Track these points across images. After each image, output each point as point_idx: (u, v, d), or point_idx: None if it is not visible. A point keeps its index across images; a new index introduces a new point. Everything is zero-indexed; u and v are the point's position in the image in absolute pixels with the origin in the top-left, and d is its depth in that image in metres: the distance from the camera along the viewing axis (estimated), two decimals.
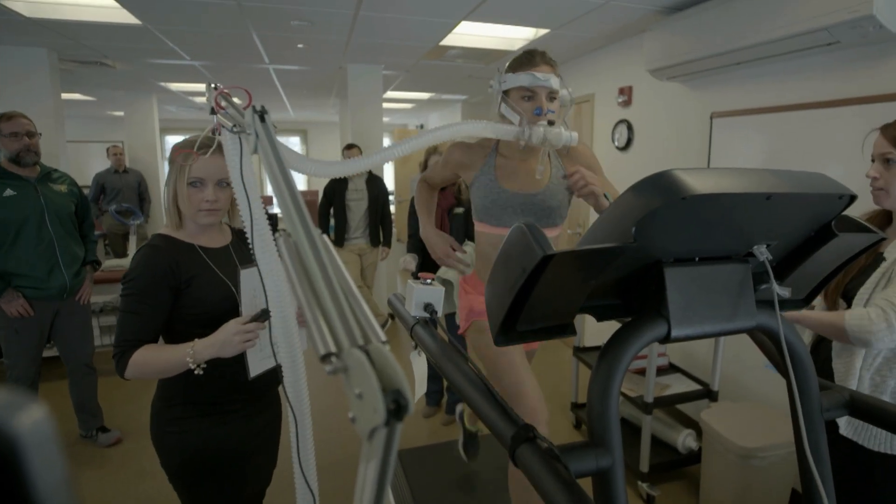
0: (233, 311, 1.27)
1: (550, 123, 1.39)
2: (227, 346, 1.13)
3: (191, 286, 1.23)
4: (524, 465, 0.68)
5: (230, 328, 1.14)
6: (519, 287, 0.65)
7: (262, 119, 0.69)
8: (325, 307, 0.41)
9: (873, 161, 1.31)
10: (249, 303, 1.27)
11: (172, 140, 10.60)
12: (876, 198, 1.30)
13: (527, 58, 1.45)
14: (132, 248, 4.43)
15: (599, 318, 0.83)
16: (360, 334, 0.40)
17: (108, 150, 5.85)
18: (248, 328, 1.13)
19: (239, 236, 1.41)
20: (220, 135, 0.92)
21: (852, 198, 0.75)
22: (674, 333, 0.73)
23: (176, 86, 5.97)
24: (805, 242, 0.81)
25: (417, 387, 1.20)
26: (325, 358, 0.40)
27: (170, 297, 1.22)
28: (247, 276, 1.29)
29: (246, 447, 1.34)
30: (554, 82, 1.43)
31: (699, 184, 0.61)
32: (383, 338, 0.41)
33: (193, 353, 1.15)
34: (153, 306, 1.20)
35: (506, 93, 1.47)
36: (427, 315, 1.04)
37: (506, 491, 1.59)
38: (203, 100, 7.33)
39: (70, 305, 2.61)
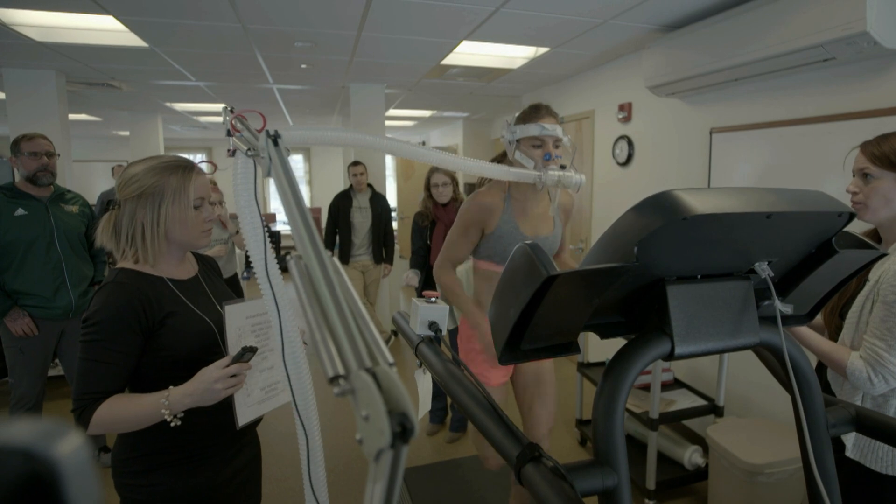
0: (212, 347, 1.16)
1: (562, 168, 1.56)
2: (209, 394, 1.01)
3: (164, 326, 1.10)
4: (530, 484, 0.68)
5: (210, 375, 1.01)
6: (523, 306, 0.66)
7: (276, 143, 0.70)
8: (334, 329, 0.42)
9: (854, 176, 1.33)
10: (235, 342, 1.12)
11: None
12: (857, 213, 1.32)
13: (534, 111, 1.67)
14: None
15: (603, 336, 0.83)
16: (368, 356, 0.41)
17: (113, 169, 5.90)
18: (229, 372, 1.01)
19: (205, 263, 1.32)
20: (234, 156, 0.93)
21: (851, 215, 0.75)
22: (677, 351, 0.73)
23: (181, 106, 6.05)
24: (806, 259, 0.82)
25: (421, 405, 1.20)
26: (334, 380, 0.40)
27: (140, 340, 1.08)
28: (232, 312, 1.14)
29: (226, 490, 1.21)
30: (559, 132, 1.64)
31: (700, 204, 0.63)
32: (390, 360, 0.41)
33: (169, 405, 1.01)
34: (122, 353, 1.05)
35: (517, 142, 1.67)
36: (432, 333, 1.05)
37: None
38: (207, 119, 7.42)
39: (76, 325, 2.62)
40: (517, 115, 1.71)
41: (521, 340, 0.73)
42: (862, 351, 1.21)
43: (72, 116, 5.43)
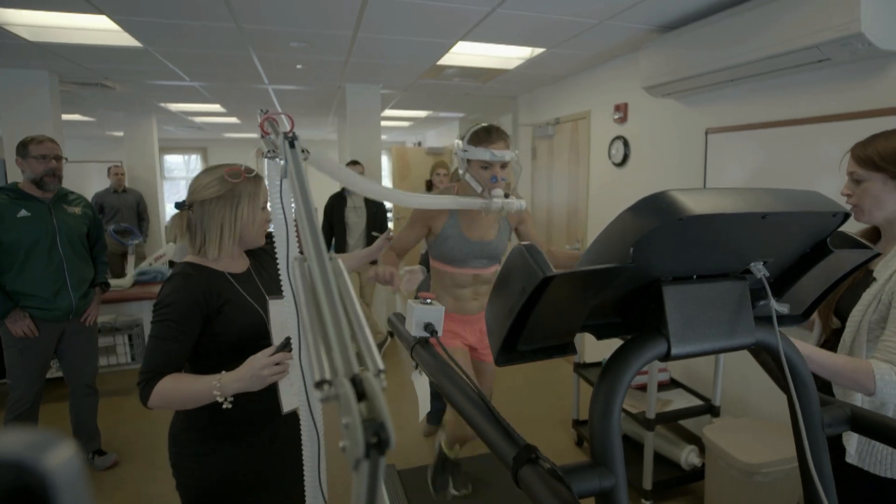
0: (262, 334, 1.28)
1: (507, 196, 1.82)
2: (256, 380, 1.11)
3: (221, 313, 1.24)
4: (526, 486, 0.68)
5: (258, 362, 1.11)
6: (519, 307, 0.66)
7: (292, 145, 0.71)
8: (326, 333, 0.41)
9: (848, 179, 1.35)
10: (279, 333, 1.26)
11: (171, 159, 10.65)
12: (854, 215, 1.33)
13: (485, 134, 1.83)
14: (130, 269, 4.43)
15: (599, 337, 0.83)
16: (357, 362, 0.40)
17: (109, 169, 5.88)
18: (274, 360, 1.11)
19: (257, 258, 1.43)
20: (259, 158, 0.97)
21: (846, 215, 0.76)
22: (674, 351, 0.73)
23: (175, 106, 6.02)
24: (801, 259, 0.82)
25: (421, 407, 1.19)
26: (319, 385, 0.39)
27: (202, 324, 1.22)
28: (274, 306, 1.29)
29: (266, 468, 1.33)
30: (507, 156, 1.80)
31: (695, 204, 0.63)
32: (380, 366, 0.40)
33: (220, 387, 1.12)
34: (186, 333, 1.19)
35: (468, 161, 1.85)
36: (427, 334, 1.04)
37: None
38: (202, 119, 7.40)
39: (76, 326, 2.61)
40: (470, 132, 1.87)
41: (518, 341, 0.73)
42: (883, 354, 1.14)
43: (65, 117, 5.39)
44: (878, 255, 0.83)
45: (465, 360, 2.03)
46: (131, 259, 4.55)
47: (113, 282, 4.17)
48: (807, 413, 0.82)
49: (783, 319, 0.89)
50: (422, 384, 1.15)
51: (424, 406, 1.19)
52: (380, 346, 4.15)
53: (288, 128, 0.78)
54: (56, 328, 2.54)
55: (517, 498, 2.13)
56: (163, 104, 5.78)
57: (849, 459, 1.26)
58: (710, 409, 2.48)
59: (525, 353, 0.76)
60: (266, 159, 0.86)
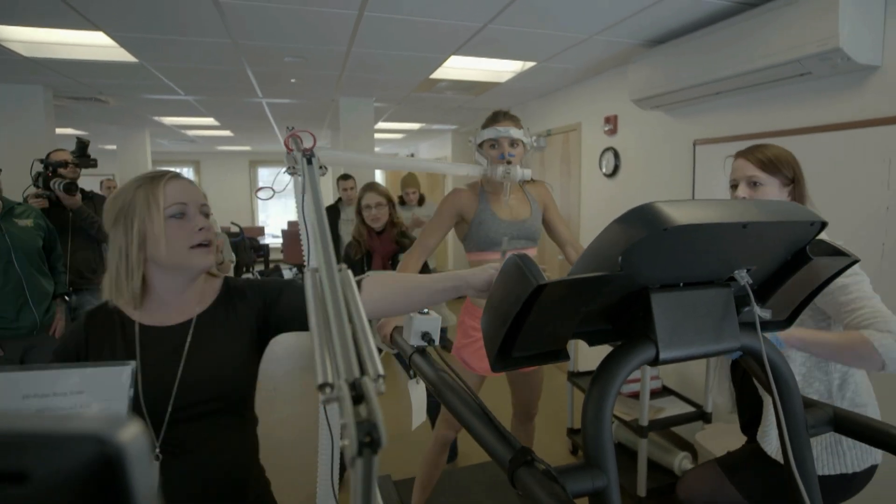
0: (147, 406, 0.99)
1: (509, 163, 1.82)
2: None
3: None
4: (523, 487, 0.70)
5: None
6: (514, 314, 0.69)
7: (309, 162, 0.74)
8: (331, 339, 0.44)
9: (734, 186, 1.41)
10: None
11: None
12: None
13: (493, 117, 1.90)
14: None
15: (591, 343, 0.86)
16: (359, 367, 0.43)
17: (101, 182, 5.88)
18: None
19: (236, 299, 1.08)
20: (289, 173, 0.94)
21: (823, 224, 0.79)
22: (662, 356, 0.76)
23: (169, 120, 6.05)
24: (783, 266, 0.85)
25: (415, 415, 1.21)
26: (321, 388, 0.42)
27: None
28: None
29: None
30: (514, 133, 1.84)
31: (679, 215, 0.66)
32: (380, 372, 0.43)
33: None
34: None
35: (480, 145, 1.90)
36: (425, 344, 1.07)
37: None
38: (195, 133, 7.42)
39: (43, 338, 2.53)
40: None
41: (513, 348, 0.75)
42: (869, 324, 1.15)
43: (58, 131, 5.39)
44: (857, 261, 0.87)
45: (476, 383, 1.97)
46: None
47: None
48: (791, 415, 0.85)
49: (767, 325, 0.92)
50: (418, 393, 1.18)
51: (419, 415, 1.21)
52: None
53: (310, 144, 0.80)
54: (20, 345, 2.46)
55: None
56: (157, 118, 5.81)
57: (773, 454, 1.30)
58: (703, 416, 2.51)
59: (520, 359, 0.79)
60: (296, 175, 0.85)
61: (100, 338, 0.98)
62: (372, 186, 2.74)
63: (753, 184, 1.37)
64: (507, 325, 0.71)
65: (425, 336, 1.06)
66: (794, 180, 1.39)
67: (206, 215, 1.02)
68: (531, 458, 0.73)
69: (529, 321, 0.71)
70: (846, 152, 2.06)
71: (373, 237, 2.65)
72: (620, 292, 0.78)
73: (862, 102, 2.02)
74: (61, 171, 2.92)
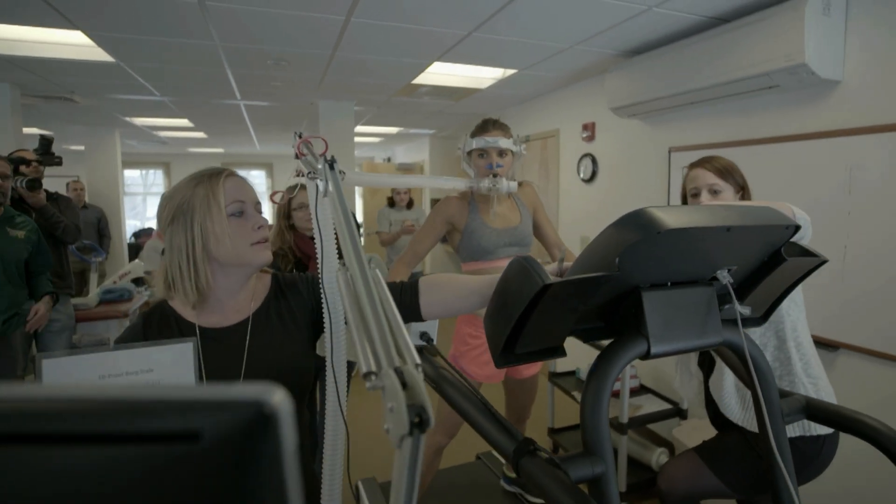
0: None
1: (495, 176, 1.84)
2: None
3: None
4: (528, 475, 0.75)
5: None
6: (520, 313, 0.73)
7: (332, 167, 0.77)
8: (370, 332, 0.48)
9: (695, 195, 1.51)
10: None
11: (128, 174, 10.31)
12: None
13: (482, 125, 1.91)
14: (93, 287, 4.30)
15: (585, 340, 0.91)
16: (398, 357, 0.47)
17: (68, 184, 5.71)
18: None
19: (287, 297, 1.09)
20: (301, 177, 0.95)
21: (797, 227, 0.86)
22: (653, 350, 0.81)
23: (141, 120, 5.92)
24: (760, 267, 0.92)
25: None
26: (367, 375, 0.46)
27: None
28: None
29: None
30: (502, 143, 1.84)
31: (672, 219, 0.72)
32: (417, 360, 0.47)
33: None
34: None
35: (468, 153, 1.92)
36: (424, 343, 1.10)
37: None
38: (167, 134, 7.28)
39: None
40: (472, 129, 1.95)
41: (516, 345, 0.80)
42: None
43: (24, 130, 5.22)
44: (825, 261, 0.94)
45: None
46: (94, 277, 4.42)
47: (77, 300, 4.05)
48: (769, 404, 0.91)
49: (745, 321, 0.99)
50: None
51: None
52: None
53: (322, 149, 0.83)
54: None
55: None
56: (128, 118, 5.68)
57: (738, 420, 1.41)
58: (679, 413, 2.61)
59: (521, 355, 0.83)
60: (308, 179, 0.87)
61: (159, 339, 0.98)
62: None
63: (714, 191, 1.48)
64: (512, 323, 0.75)
65: (424, 336, 1.10)
66: (743, 186, 1.52)
67: (260, 213, 1.03)
68: (534, 448, 0.77)
69: (533, 318, 0.76)
70: (811, 160, 2.18)
71: (304, 242, 2.22)
72: (614, 291, 0.83)
73: (825, 114, 2.14)
74: (23, 168, 2.84)
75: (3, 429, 0.19)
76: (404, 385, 0.43)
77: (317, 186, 0.95)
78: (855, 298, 2.04)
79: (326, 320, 0.88)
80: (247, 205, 1.00)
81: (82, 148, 6.82)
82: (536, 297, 0.71)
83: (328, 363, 0.89)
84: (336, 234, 0.92)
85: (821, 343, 2.08)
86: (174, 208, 0.97)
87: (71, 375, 0.85)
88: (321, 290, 0.88)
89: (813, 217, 2.18)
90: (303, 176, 0.87)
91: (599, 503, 0.72)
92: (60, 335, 2.97)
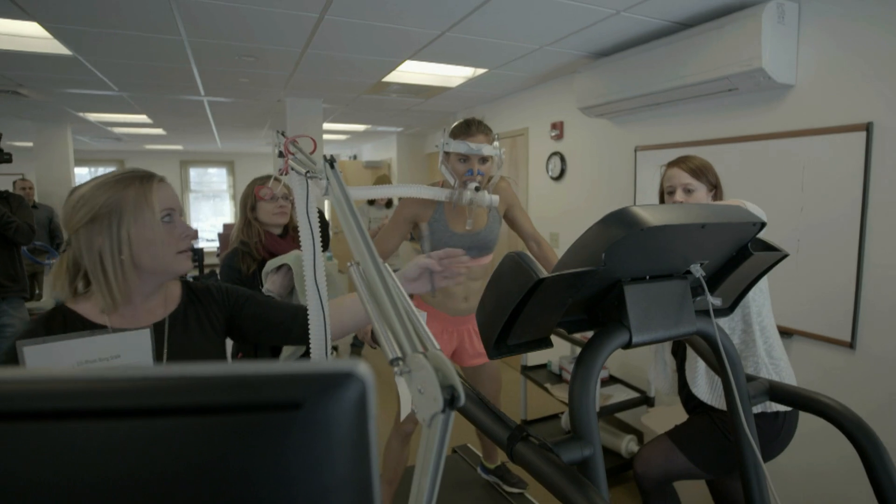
0: None
1: (477, 189, 1.75)
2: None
3: None
4: (522, 460, 0.79)
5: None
6: (514, 306, 0.77)
7: (332, 166, 0.79)
8: (390, 322, 0.51)
9: (671, 192, 1.62)
10: None
11: (78, 172, 9.87)
12: None
13: (465, 127, 1.81)
14: (46, 291, 4.14)
15: (570, 332, 0.96)
16: (419, 343, 0.50)
17: (14, 183, 5.42)
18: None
19: (200, 302, 1.10)
20: (286, 175, 0.96)
21: (763, 224, 0.94)
22: (634, 340, 0.87)
23: (95, 116, 5.69)
24: (729, 261, 0.99)
25: (403, 408, 1.27)
26: (394, 362, 0.49)
27: None
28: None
29: None
30: (486, 150, 1.77)
31: (654, 217, 0.77)
32: (437, 345, 0.51)
33: None
34: None
35: (447, 153, 1.82)
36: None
37: None
38: (122, 130, 7.02)
39: None
40: (453, 126, 1.86)
41: (509, 336, 0.84)
42: None
43: None
44: (787, 255, 1.02)
45: None
46: (47, 280, 4.25)
47: (32, 304, 3.88)
48: (738, 387, 0.99)
49: (716, 311, 1.06)
50: (405, 386, 1.23)
51: (406, 407, 1.26)
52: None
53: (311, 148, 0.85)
54: None
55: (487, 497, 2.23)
56: (81, 113, 5.44)
57: (707, 400, 1.52)
58: (647, 401, 2.72)
59: (513, 346, 0.87)
60: (294, 176, 0.89)
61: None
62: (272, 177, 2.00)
63: (688, 190, 1.57)
64: (506, 316, 0.79)
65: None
66: (716, 185, 1.61)
67: (184, 220, 1.03)
68: (527, 434, 0.81)
69: (525, 312, 0.80)
70: (767, 159, 2.31)
71: (273, 241, 1.95)
72: (598, 285, 0.88)
73: (780, 116, 2.28)
74: None
75: (142, 403, 0.21)
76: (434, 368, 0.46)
77: (307, 185, 0.97)
78: (807, 289, 2.18)
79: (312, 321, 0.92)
80: (175, 212, 0.99)
81: (30, 144, 6.49)
82: (530, 291, 0.75)
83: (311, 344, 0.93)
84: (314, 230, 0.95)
85: (777, 330, 2.22)
86: (95, 208, 0.92)
87: (52, 361, 0.85)
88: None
89: (768, 213, 2.31)
90: (283, 175, 0.88)
91: (591, 482, 0.77)
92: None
